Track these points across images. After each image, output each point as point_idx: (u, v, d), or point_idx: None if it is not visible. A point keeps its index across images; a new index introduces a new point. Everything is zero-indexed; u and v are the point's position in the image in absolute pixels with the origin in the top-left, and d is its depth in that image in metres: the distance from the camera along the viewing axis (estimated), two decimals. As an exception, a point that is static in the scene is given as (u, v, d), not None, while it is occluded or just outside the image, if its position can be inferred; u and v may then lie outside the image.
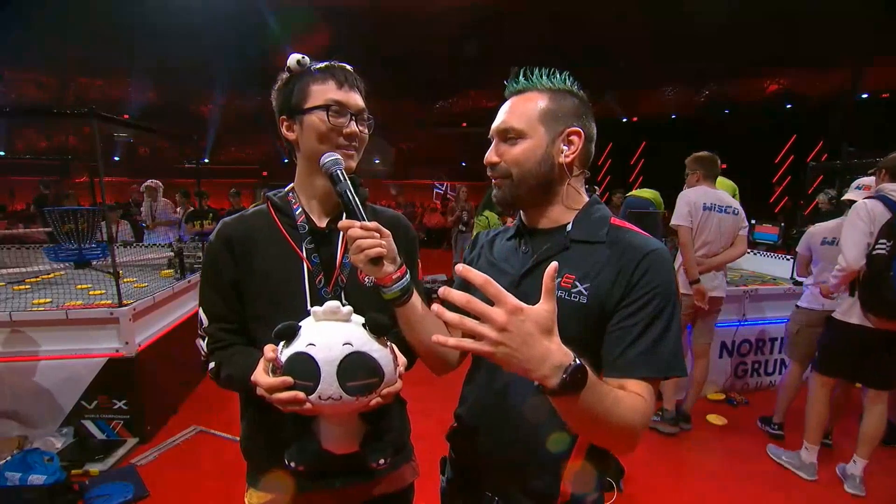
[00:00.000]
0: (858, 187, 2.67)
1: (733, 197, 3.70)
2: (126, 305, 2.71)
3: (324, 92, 0.94)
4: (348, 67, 1.00)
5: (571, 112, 0.89)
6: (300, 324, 0.82)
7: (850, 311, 2.39)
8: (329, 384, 0.75)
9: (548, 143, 0.88)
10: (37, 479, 2.19)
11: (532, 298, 0.85)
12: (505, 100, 0.94)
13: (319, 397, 0.76)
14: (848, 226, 2.35)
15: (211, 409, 3.18)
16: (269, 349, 0.82)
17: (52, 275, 3.65)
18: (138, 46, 9.84)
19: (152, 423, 2.89)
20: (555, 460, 0.87)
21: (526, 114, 0.89)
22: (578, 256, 0.87)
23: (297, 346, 0.78)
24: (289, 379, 0.78)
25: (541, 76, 0.91)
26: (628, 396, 0.75)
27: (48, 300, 2.85)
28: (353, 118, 0.96)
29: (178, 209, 6.20)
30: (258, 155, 17.09)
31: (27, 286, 3.29)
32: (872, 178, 2.62)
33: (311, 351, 0.76)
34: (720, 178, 3.64)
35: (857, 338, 2.37)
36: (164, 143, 14.38)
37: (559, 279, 0.85)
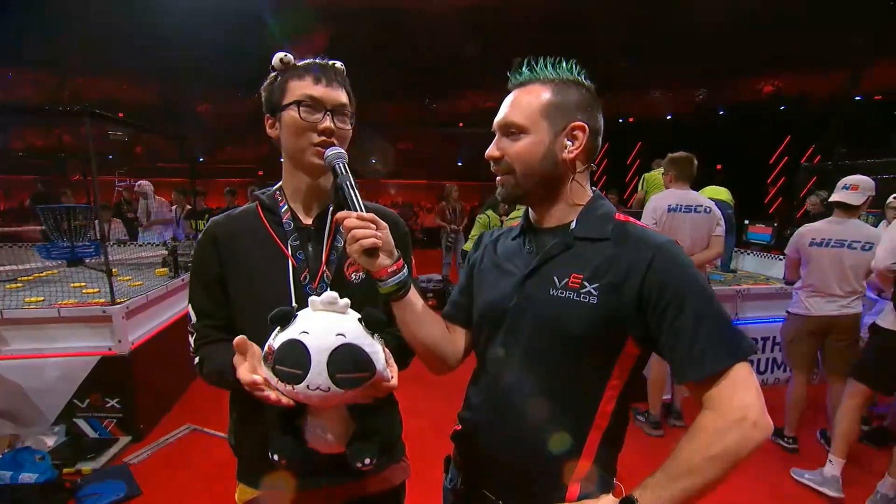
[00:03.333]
0: (846, 187, 2.61)
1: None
2: (119, 304, 2.70)
3: (299, 88, 0.94)
4: (334, 64, 1.00)
5: (576, 105, 0.86)
6: (297, 312, 0.82)
7: (887, 316, 2.31)
8: (318, 373, 0.75)
9: (550, 139, 0.85)
10: (28, 477, 2.19)
11: (536, 298, 0.87)
12: (508, 92, 0.91)
13: (308, 387, 0.75)
14: (892, 227, 2.28)
15: (204, 408, 3.17)
16: (239, 341, 0.82)
17: (45, 273, 3.64)
18: (135, 46, 9.80)
19: (145, 422, 2.88)
20: (561, 464, 0.85)
21: (528, 108, 0.86)
22: (584, 254, 0.85)
23: (291, 332, 0.77)
24: (259, 378, 0.78)
25: (545, 66, 0.88)
26: (688, 443, 0.74)
27: (41, 298, 2.84)
28: (330, 114, 0.95)
29: (173, 207, 6.19)
30: (255, 154, 17.03)
31: (20, 284, 3.28)
32: (859, 178, 2.58)
33: (304, 338, 0.76)
34: (714, 187, 3.66)
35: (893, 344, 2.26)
36: (160, 141, 14.32)
37: (566, 280, 0.83)
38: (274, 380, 0.77)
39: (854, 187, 2.59)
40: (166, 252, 3.77)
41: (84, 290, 3.04)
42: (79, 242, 3.34)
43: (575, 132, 0.86)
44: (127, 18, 8.93)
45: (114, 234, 5.69)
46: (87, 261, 3.45)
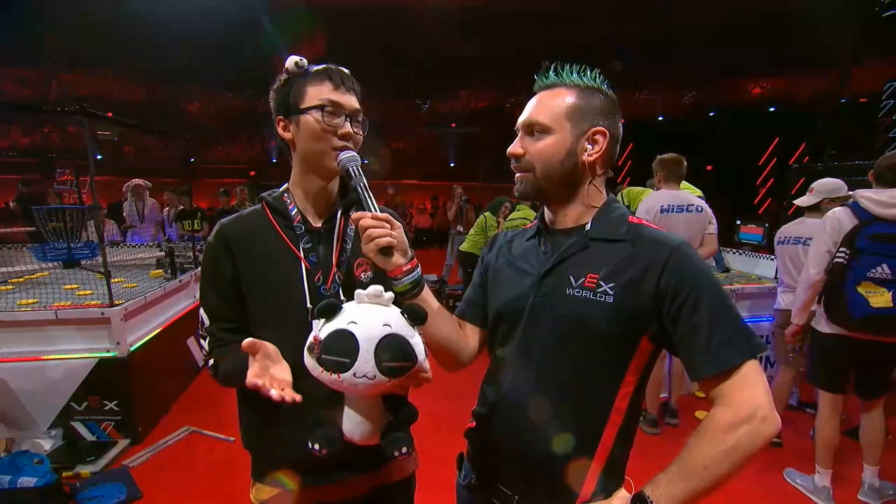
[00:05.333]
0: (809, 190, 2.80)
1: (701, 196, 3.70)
2: (117, 305, 2.68)
3: (320, 92, 0.96)
4: (345, 70, 1.02)
5: (598, 111, 0.89)
6: (343, 305, 0.84)
7: (820, 319, 2.33)
8: (366, 361, 0.77)
9: (572, 141, 0.88)
10: (27, 481, 2.16)
11: (552, 297, 0.89)
12: (533, 94, 0.94)
13: (354, 374, 0.77)
14: (815, 236, 2.32)
15: (203, 410, 3.15)
16: (246, 344, 0.82)
17: (37, 275, 3.58)
18: (124, 43, 9.68)
19: (144, 424, 2.86)
20: (576, 460, 0.87)
21: (553, 109, 0.89)
22: (599, 255, 0.87)
23: (338, 322, 0.80)
24: (259, 382, 0.79)
25: (571, 72, 0.91)
26: (700, 438, 0.76)
27: (34, 300, 2.80)
28: (349, 119, 0.98)
29: (167, 208, 6.15)
30: (246, 154, 16.90)
31: (11, 286, 3.23)
32: (820, 181, 2.73)
33: (353, 328, 0.78)
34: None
35: (833, 347, 2.28)
36: (150, 141, 14.14)
37: (582, 280, 0.86)
38: (318, 370, 0.79)
39: (811, 190, 2.78)
40: (162, 254, 3.73)
41: (78, 292, 3.01)
42: (74, 244, 3.30)
43: (596, 136, 0.89)
44: (115, 16, 8.81)
45: (109, 235, 5.64)
46: (84, 262, 3.41)
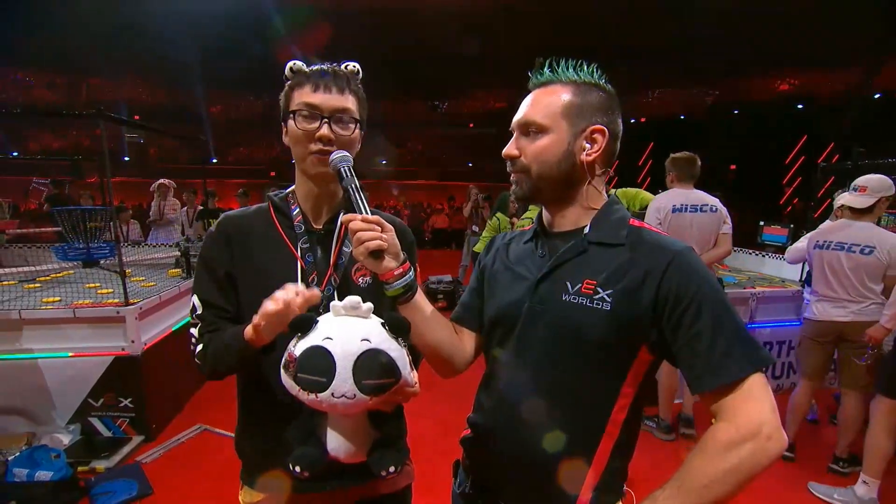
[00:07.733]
0: (854, 189, 2.54)
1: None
2: (132, 304, 2.74)
3: (300, 96, 0.95)
4: (346, 66, 0.99)
5: (597, 108, 0.85)
6: (318, 318, 0.79)
7: None
8: (344, 380, 0.72)
9: (570, 140, 0.84)
10: (44, 475, 2.23)
11: (549, 302, 0.86)
12: (528, 92, 0.90)
13: (332, 394, 0.72)
14: None
15: (215, 408, 3.20)
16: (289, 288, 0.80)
17: (62, 273, 3.70)
18: (149, 48, 9.96)
19: (157, 422, 2.92)
20: (572, 471, 0.84)
21: (549, 107, 0.85)
22: (598, 260, 0.84)
23: (313, 339, 0.75)
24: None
25: (567, 68, 0.87)
26: (700, 455, 0.73)
27: (58, 298, 2.88)
28: (328, 121, 0.95)
29: (184, 208, 6.31)
30: (267, 155, 17.22)
31: (38, 284, 3.34)
32: (869, 178, 2.51)
33: (328, 345, 0.73)
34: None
35: None
36: (174, 143, 14.54)
37: (579, 286, 0.83)
38: (295, 388, 0.75)
39: (862, 189, 2.50)
40: (178, 253, 3.81)
41: (99, 291, 3.09)
42: (94, 244, 3.40)
43: (595, 135, 0.85)
44: (139, 20, 9.07)
45: (132, 235, 5.81)
46: (102, 262, 3.51)
